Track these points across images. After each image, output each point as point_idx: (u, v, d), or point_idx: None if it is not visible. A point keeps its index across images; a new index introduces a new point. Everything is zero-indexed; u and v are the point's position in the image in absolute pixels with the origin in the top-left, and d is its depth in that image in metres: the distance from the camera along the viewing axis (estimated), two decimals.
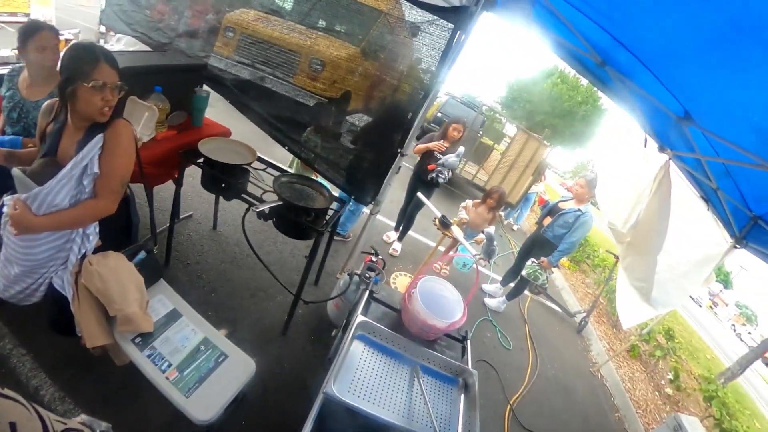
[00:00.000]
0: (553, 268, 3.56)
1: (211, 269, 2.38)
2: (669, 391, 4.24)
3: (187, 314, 1.51)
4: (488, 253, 3.08)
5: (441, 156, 3.24)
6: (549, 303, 4.75)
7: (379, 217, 4.30)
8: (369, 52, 6.63)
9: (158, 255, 2.03)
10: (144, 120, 1.96)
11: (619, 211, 3.35)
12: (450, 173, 3.33)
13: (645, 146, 2.95)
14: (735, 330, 33.81)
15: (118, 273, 1.35)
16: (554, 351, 3.80)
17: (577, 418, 3.07)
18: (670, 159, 2.66)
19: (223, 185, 1.96)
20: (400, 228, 3.82)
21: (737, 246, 3.10)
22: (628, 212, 3.25)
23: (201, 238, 2.56)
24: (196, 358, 1.35)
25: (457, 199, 5.89)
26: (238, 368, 1.38)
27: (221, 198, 2.47)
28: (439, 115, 8.08)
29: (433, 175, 3.27)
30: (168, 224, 2.28)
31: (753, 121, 1.55)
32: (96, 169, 1.26)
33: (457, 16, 1.81)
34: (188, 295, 2.01)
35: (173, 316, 1.47)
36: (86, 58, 1.19)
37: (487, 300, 3.86)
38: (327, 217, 2.05)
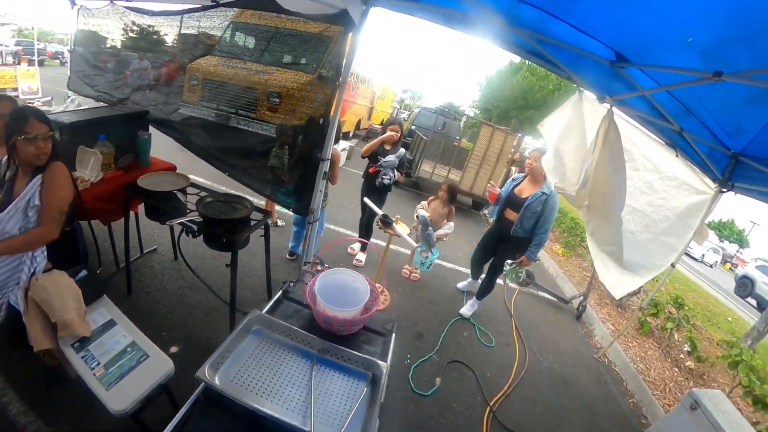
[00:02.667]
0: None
1: (170, 295, 2.57)
2: (690, 364, 3.91)
3: (121, 323, 1.69)
4: (425, 240, 3.03)
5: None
6: (540, 293, 4.57)
7: (343, 230, 4.33)
8: (324, 76, 6.89)
9: (120, 285, 2.40)
10: (91, 164, 2.25)
11: (567, 173, 3.19)
12: (395, 174, 3.39)
13: (580, 100, 2.83)
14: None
15: (59, 286, 1.58)
16: (548, 342, 3.66)
17: (580, 411, 2.86)
18: (611, 107, 2.54)
19: (159, 211, 2.19)
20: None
21: (723, 190, 2.89)
22: (577, 174, 3.10)
23: (163, 268, 2.78)
24: (121, 358, 1.52)
25: None
26: (157, 367, 1.54)
27: (175, 229, 2.60)
28: (413, 127, 8.25)
29: (379, 179, 3.36)
30: (137, 256, 2.60)
31: (689, 42, 1.55)
32: (37, 202, 1.59)
33: (344, 19, 2.00)
34: (148, 318, 2.28)
35: (109, 325, 1.67)
36: (18, 117, 1.55)
37: (462, 310, 3.62)
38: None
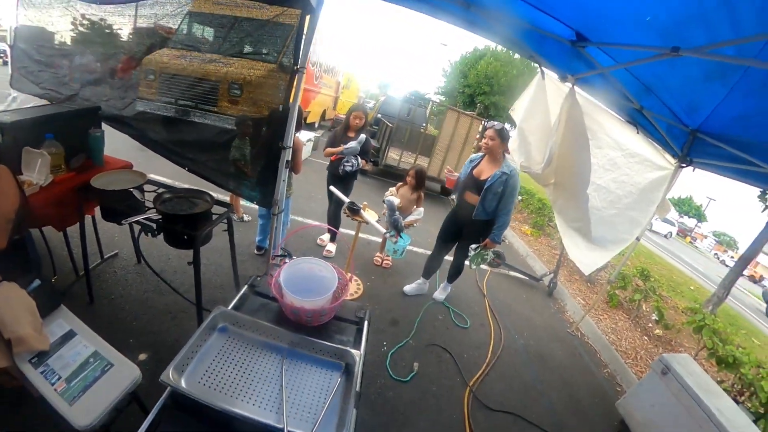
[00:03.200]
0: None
1: (135, 300, 2.47)
2: (658, 332, 4.16)
3: (82, 333, 1.60)
4: (393, 224, 3.01)
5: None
6: (512, 273, 4.71)
7: (311, 221, 4.47)
8: (286, 65, 6.73)
9: (81, 294, 2.27)
10: (38, 166, 2.08)
11: (532, 152, 3.25)
12: (359, 161, 3.35)
13: (542, 78, 2.90)
14: (719, 258, 34.74)
15: (10, 299, 1.46)
16: (522, 320, 3.78)
17: (557, 385, 2.99)
18: (573, 86, 2.59)
19: (116, 212, 2.06)
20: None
21: (683, 165, 3.02)
22: (542, 153, 3.17)
23: (126, 273, 2.66)
24: (84, 370, 1.44)
25: None
26: (123, 375, 1.46)
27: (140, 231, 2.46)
28: (379, 116, 8.20)
29: (341, 166, 3.33)
30: (97, 262, 2.51)
31: (647, 20, 1.61)
32: None
33: (301, 1, 1.96)
34: (113, 327, 2.18)
35: (68, 336, 1.57)
36: None
37: (435, 294, 3.65)
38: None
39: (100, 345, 1.56)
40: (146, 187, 2.24)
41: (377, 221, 2.87)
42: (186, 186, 2.35)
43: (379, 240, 4.00)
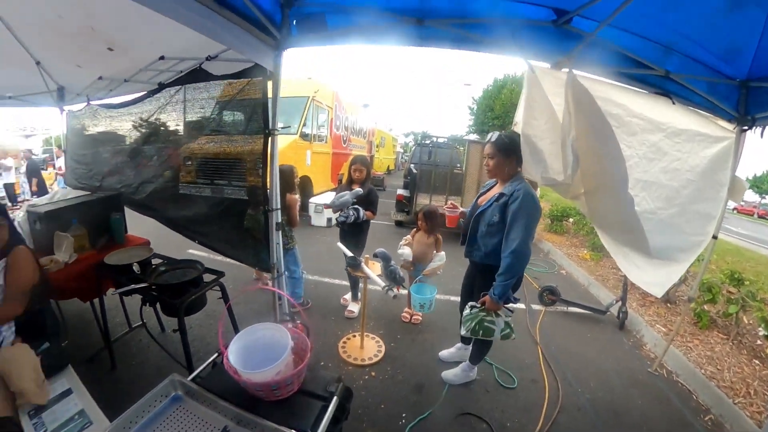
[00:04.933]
0: (512, 305, 2.30)
1: (152, 365, 2.62)
2: None
3: (77, 392, 1.76)
4: (389, 276, 2.68)
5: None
6: (571, 309, 4.11)
7: (337, 281, 4.48)
8: (304, 134, 7.21)
9: (105, 360, 2.54)
10: (64, 246, 2.46)
11: (548, 160, 2.68)
12: (359, 213, 3.20)
13: (532, 71, 2.46)
14: None
15: (19, 357, 1.70)
16: (587, 367, 3.15)
17: None
18: (571, 70, 2.19)
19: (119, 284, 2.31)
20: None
21: (744, 128, 2.42)
22: (560, 158, 2.60)
23: (149, 341, 2.83)
24: (67, 425, 1.58)
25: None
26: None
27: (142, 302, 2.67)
28: (412, 166, 8.16)
29: (337, 217, 3.27)
30: (125, 331, 2.82)
31: None
32: (1, 282, 1.79)
33: (259, 70, 2.14)
34: (130, 390, 2.30)
35: (65, 394, 1.75)
36: None
37: (444, 374, 2.78)
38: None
39: (88, 404, 1.70)
40: (154, 261, 2.52)
41: (379, 275, 2.71)
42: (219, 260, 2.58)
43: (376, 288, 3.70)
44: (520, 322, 3.72)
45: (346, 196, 3.20)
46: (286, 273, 3.29)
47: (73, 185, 3.73)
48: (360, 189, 3.27)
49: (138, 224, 3.26)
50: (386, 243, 3.52)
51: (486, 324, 2.21)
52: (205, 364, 1.43)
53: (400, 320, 3.59)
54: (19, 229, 2.57)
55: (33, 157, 8.68)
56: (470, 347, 2.77)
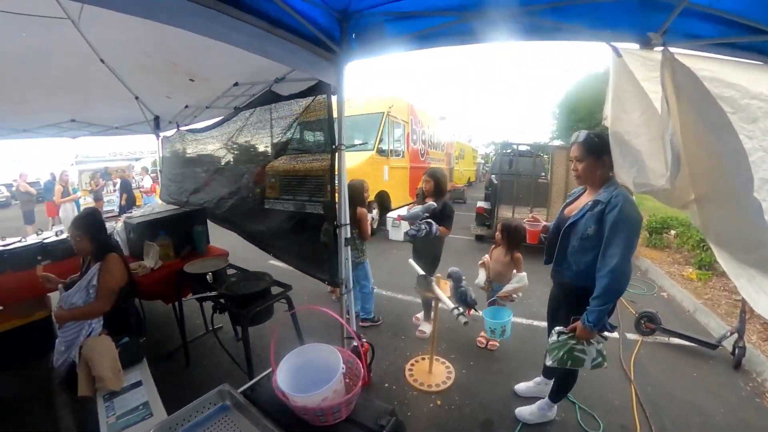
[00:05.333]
0: (606, 333, 1.95)
1: (223, 367, 2.78)
2: None
3: (146, 385, 1.94)
4: (459, 298, 2.47)
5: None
6: (673, 340, 3.43)
7: (410, 298, 4.42)
8: (381, 149, 7.31)
9: (181, 358, 2.82)
10: (151, 254, 2.82)
11: (645, 161, 2.13)
12: (431, 227, 2.98)
13: (618, 55, 2.01)
14: None
15: (101, 347, 1.95)
16: (691, 415, 2.54)
17: None
18: (665, 46, 1.76)
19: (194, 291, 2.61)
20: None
21: None
22: (661, 157, 2.04)
23: (224, 344, 2.93)
24: (131, 413, 1.74)
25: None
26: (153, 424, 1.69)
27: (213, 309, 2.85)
28: (493, 177, 7.69)
29: (407, 231, 3.15)
30: (202, 332, 3.10)
31: None
32: (95, 283, 2.11)
33: (322, 87, 2.24)
34: (199, 389, 2.39)
35: (136, 385, 1.93)
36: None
37: (518, 411, 2.43)
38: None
39: (152, 397, 1.87)
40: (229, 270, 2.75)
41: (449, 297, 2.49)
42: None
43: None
44: (612, 354, 3.15)
45: (417, 209, 3.07)
46: (357, 288, 3.34)
47: (166, 200, 4.33)
48: (433, 203, 3.12)
49: (225, 237, 3.54)
50: (464, 260, 3.34)
51: (576, 353, 1.89)
52: (255, 379, 1.44)
53: (476, 344, 3.26)
54: (117, 238, 3.03)
55: (125, 176, 10.33)
56: (551, 382, 2.41)
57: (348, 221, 2.31)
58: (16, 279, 2.65)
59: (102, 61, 2.39)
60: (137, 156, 19.55)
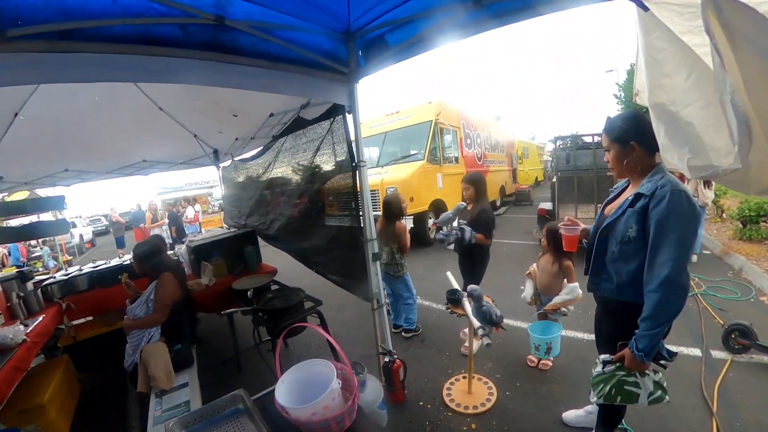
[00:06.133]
0: (663, 362, 1.55)
1: (270, 375, 2.93)
2: None
3: (192, 386, 2.23)
4: (484, 319, 2.26)
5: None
6: None
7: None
8: (432, 158, 7.23)
9: (234, 364, 3.11)
10: (206, 273, 3.23)
11: (702, 136, 1.44)
12: (465, 233, 2.84)
13: (644, 9, 1.45)
14: None
15: (156, 351, 2.30)
16: None
17: None
18: None
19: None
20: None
21: None
22: (722, 129, 1.24)
23: (271, 354, 3.10)
24: (174, 409, 2.00)
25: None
26: None
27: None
28: (558, 174, 7.00)
29: (436, 235, 3.01)
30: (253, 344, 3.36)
31: None
32: (152, 297, 2.48)
33: (336, 108, 2.38)
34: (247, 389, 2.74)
35: (183, 386, 2.23)
36: None
37: None
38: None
39: (194, 397, 2.14)
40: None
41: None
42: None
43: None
44: (691, 376, 2.62)
45: (448, 214, 2.97)
46: (400, 300, 3.45)
47: (228, 224, 4.95)
48: (463, 203, 3.05)
49: (279, 255, 3.83)
50: (525, 268, 3.06)
51: (627, 387, 1.53)
52: (266, 391, 1.50)
53: (525, 363, 2.97)
54: (181, 259, 3.48)
55: (173, 210, 11.01)
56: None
57: (374, 236, 2.34)
58: (103, 294, 3.25)
59: (161, 109, 2.89)
60: (211, 184, 21.35)
